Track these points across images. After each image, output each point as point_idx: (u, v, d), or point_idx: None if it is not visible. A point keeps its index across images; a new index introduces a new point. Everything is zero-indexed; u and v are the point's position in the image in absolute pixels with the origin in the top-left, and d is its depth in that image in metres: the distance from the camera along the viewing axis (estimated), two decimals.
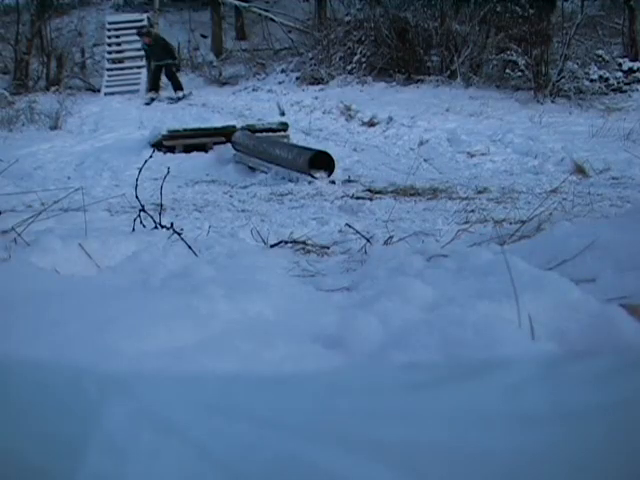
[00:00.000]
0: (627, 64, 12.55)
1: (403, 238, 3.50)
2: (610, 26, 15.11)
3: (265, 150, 7.57)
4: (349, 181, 7.00)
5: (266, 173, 7.39)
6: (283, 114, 10.72)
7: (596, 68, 12.17)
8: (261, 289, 1.82)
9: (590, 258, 2.04)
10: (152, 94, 12.26)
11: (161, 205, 3.89)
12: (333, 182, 6.82)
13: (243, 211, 5.57)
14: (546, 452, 0.61)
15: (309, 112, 10.93)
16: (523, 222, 3.33)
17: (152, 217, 3.37)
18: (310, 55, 14.22)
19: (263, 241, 3.65)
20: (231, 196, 6.45)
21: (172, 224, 3.22)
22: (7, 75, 14.86)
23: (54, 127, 10.36)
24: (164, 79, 12.54)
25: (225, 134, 8.59)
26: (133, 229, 3.19)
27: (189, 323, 1.45)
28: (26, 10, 15.66)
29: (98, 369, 0.78)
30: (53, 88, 13.62)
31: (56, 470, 0.63)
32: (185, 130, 8.81)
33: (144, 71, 13.58)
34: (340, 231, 4.37)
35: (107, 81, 13.84)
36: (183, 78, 13.70)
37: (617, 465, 0.61)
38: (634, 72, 12.37)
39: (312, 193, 6.31)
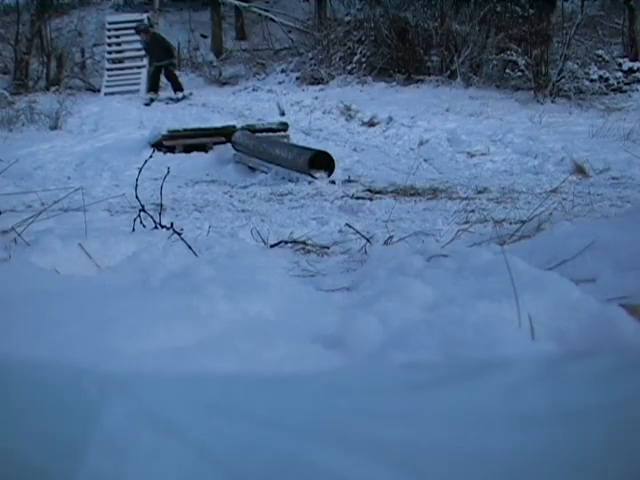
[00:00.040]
0: (627, 64, 12.54)
1: (403, 238, 3.50)
2: (610, 26, 15.11)
3: (265, 150, 7.57)
4: (349, 181, 7.00)
5: (266, 173, 7.39)
6: (283, 114, 10.72)
7: (596, 68, 12.17)
8: (261, 289, 1.83)
9: (590, 258, 2.04)
10: (152, 95, 12.26)
11: (161, 205, 3.89)
12: (333, 182, 6.82)
13: (243, 211, 5.57)
14: (546, 452, 0.61)
15: (309, 112, 10.93)
16: (523, 222, 3.33)
17: (152, 217, 3.37)
18: (310, 55, 14.22)
19: (263, 241, 3.65)
20: (231, 196, 6.45)
21: (172, 224, 3.22)
22: (7, 75, 14.86)
23: (54, 127, 10.36)
24: (164, 79, 12.54)
25: (225, 134, 8.59)
26: (133, 229, 3.19)
27: (189, 323, 1.45)
28: (26, 10, 15.66)
29: (98, 369, 0.78)
30: (53, 88, 13.62)
31: (56, 470, 0.63)
32: (185, 130, 8.81)
33: (144, 71, 13.58)
34: (340, 231, 4.37)
35: (107, 81, 13.84)
36: (183, 78, 13.70)
37: (617, 465, 0.61)
38: (634, 72, 12.37)
39: (312, 193, 6.31)
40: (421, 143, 9.01)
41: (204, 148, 8.55)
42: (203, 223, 4.82)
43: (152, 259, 2.48)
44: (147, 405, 0.68)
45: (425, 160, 8.25)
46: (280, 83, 13.56)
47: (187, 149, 8.53)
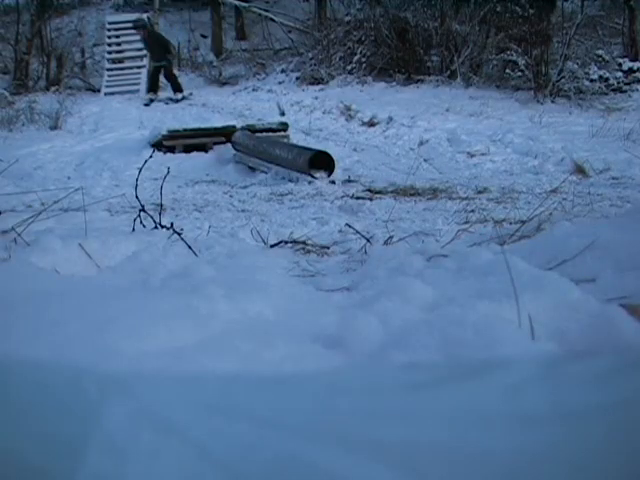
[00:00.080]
0: (627, 64, 12.54)
1: (403, 238, 3.50)
2: (610, 26, 15.11)
3: (265, 150, 7.57)
4: (349, 181, 7.00)
5: (266, 173, 7.39)
6: (283, 114, 10.72)
7: (596, 68, 12.17)
8: (261, 289, 1.83)
9: (590, 258, 2.04)
10: (151, 95, 12.25)
11: (161, 205, 3.89)
12: (333, 182, 6.82)
13: (243, 211, 5.57)
14: (546, 452, 0.61)
15: (309, 112, 10.93)
16: (523, 222, 3.33)
17: (152, 217, 3.37)
18: (310, 55, 14.22)
19: (263, 241, 3.65)
20: (231, 196, 6.45)
21: (172, 224, 3.22)
22: (7, 75, 14.86)
23: (54, 127, 10.35)
24: (164, 80, 12.53)
25: (225, 134, 8.59)
26: (133, 229, 3.19)
27: (189, 323, 1.45)
28: (26, 10, 15.65)
29: (98, 369, 0.78)
30: (53, 88, 13.62)
31: (56, 470, 0.63)
32: (185, 130, 8.81)
33: (144, 71, 13.58)
34: (340, 231, 4.37)
35: (107, 81, 13.84)
36: (183, 78, 13.70)
37: (617, 465, 0.61)
38: (634, 72, 12.37)
39: (312, 193, 6.31)
40: (421, 143, 9.01)
41: (204, 148, 8.55)
42: (203, 223, 4.82)
43: (152, 259, 2.48)
44: (147, 405, 0.68)
45: (425, 160, 8.25)
46: (280, 83, 13.56)
47: (187, 149, 8.53)
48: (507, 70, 12.63)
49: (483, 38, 13.50)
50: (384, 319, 1.49)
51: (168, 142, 8.58)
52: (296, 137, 9.12)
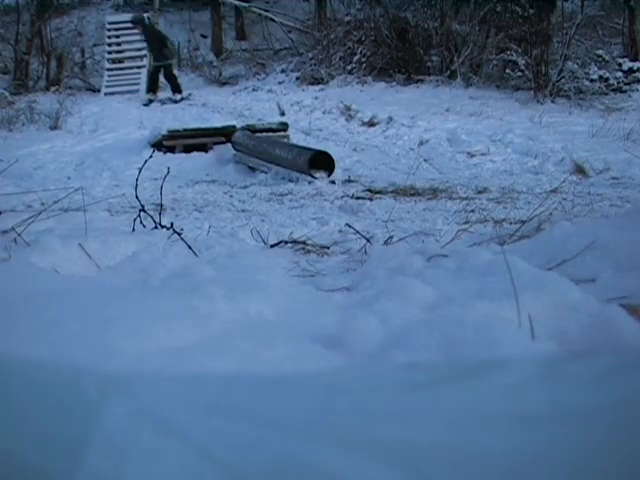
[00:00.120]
0: (627, 64, 12.54)
1: (403, 238, 3.50)
2: (610, 26, 15.11)
3: (265, 150, 7.57)
4: (349, 181, 7.00)
5: (266, 173, 7.39)
6: (283, 114, 10.72)
7: (596, 68, 12.16)
8: (261, 289, 1.83)
9: (590, 258, 2.04)
10: (150, 95, 12.24)
11: (161, 205, 3.89)
12: (333, 182, 6.82)
13: (243, 211, 5.57)
14: (546, 452, 0.61)
15: (309, 112, 10.93)
16: (523, 222, 3.34)
17: (152, 217, 3.37)
18: (310, 55, 14.21)
19: (263, 241, 3.65)
20: (231, 196, 6.45)
21: (172, 224, 3.22)
22: (7, 75, 14.85)
23: (54, 127, 10.35)
24: (164, 80, 12.52)
25: (225, 134, 8.59)
26: (133, 229, 3.19)
27: (189, 323, 1.45)
28: (26, 10, 15.65)
29: (98, 369, 0.78)
30: (53, 88, 13.61)
31: (56, 470, 0.63)
32: (185, 130, 8.81)
33: (144, 71, 13.57)
34: (340, 231, 4.37)
35: (107, 81, 13.84)
36: (183, 78, 13.69)
37: (617, 465, 0.61)
38: (634, 72, 12.36)
39: (312, 193, 6.31)
40: (421, 143, 9.01)
41: (204, 148, 8.55)
42: (203, 223, 4.82)
43: (152, 259, 2.48)
44: (147, 405, 0.68)
45: (425, 160, 8.25)
46: (280, 83, 13.56)
47: (187, 149, 8.53)
48: (507, 70, 12.62)
49: (483, 38, 13.50)
50: (384, 319, 1.49)
51: (168, 142, 8.58)
52: (296, 137, 9.12)
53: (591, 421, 0.65)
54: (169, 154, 8.32)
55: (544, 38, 12.37)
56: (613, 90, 12.03)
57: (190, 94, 12.42)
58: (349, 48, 13.97)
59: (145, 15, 14.14)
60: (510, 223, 4.28)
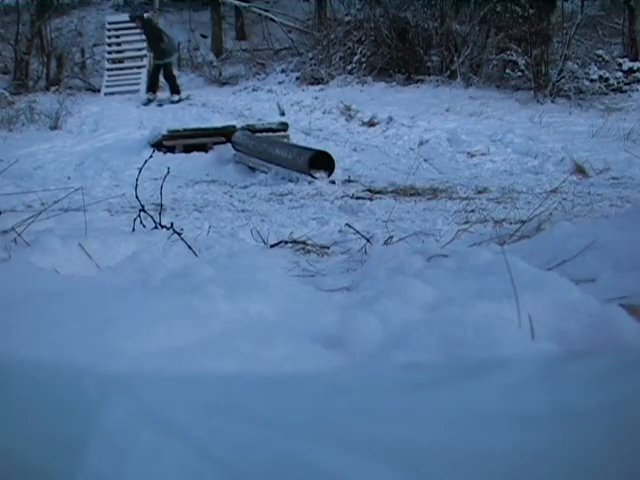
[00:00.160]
0: (627, 64, 12.54)
1: (403, 238, 3.50)
2: (610, 26, 15.11)
3: (265, 150, 7.57)
4: (349, 181, 7.00)
5: (266, 173, 7.39)
6: (283, 114, 10.72)
7: (596, 68, 12.16)
8: (261, 289, 1.83)
9: (590, 258, 2.04)
10: (149, 95, 12.23)
11: (161, 205, 3.89)
12: (333, 182, 6.82)
13: (243, 211, 5.57)
14: (546, 452, 0.61)
15: (309, 112, 10.92)
16: (523, 222, 3.34)
17: (152, 217, 3.37)
18: (310, 55, 14.21)
19: (263, 241, 3.65)
20: (231, 196, 6.45)
21: (172, 224, 3.22)
22: (7, 75, 14.85)
23: (54, 127, 10.35)
24: (164, 80, 12.51)
25: (225, 134, 8.59)
26: (133, 229, 3.20)
27: (189, 323, 1.45)
28: (26, 10, 15.64)
29: (98, 369, 0.78)
30: (53, 88, 13.61)
31: (56, 470, 0.63)
32: (185, 130, 8.81)
33: (144, 71, 13.57)
34: (340, 231, 4.37)
35: (107, 81, 13.83)
36: (183, 78, 13.69)
37: (617, 465, 0.61)
38: (634, 72, 12.36)
39: (312, 193, 6.31)
40: (421, 143, 9.01)
41: (204, 148, 8.55)
42: (203, 223, 4.82)
43: (152, 259, 2.48)
44: (147, 405, 0.68)
45: (425, 160, 8.25)
46: (280, 83, 13.56)
47: (187, 149, 8.53)
48: (507, 70, 12.62)
49: (483, 38, 13.50)
50: (384, 319, 1.49)
51: (168, 142, 8.58)
52: (296, 137, 9.12)
53: (591, 421, 0.65)
54: (169, 154, 8.32)
55: (544, 38, 12.37)
56: (613, 90, 12.03)
57: (189, 96, 12.38)
58: (349, 48, 13.97)
59: (145, 15, 14.14)
60: (510, 223, 4.28)
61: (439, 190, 6.42)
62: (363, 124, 10.25)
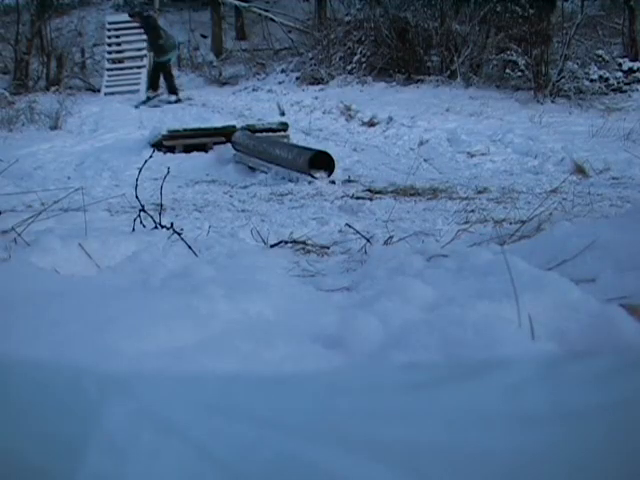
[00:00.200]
0: (627, 64, 12.54)
1: (403, 238, 3.50)
2: (610, 26, 15.11)
3: (265, 150, 7.57)
4: (349, 181, 7.00)
5: (266, 173, 7.39)
6: (283, 114, 10.72)
7: (596, 68, 12.16)
8: (261, 289, 1.83)
9: (590, 258, 2.04)
10: (149, 93, 12.22)
11: (161, 205, 3.89)
12: (333, 182, 6.82)
13: (243, 211, 5.57)
14: (546, 452, 0.61)
15: (309, 112, 10.92)
16: (523, 222, 3.34)
17: (152, 217, 3.37)
18: (310, 55, 14.21)
19: (263, 241, 3.65)
20: (231, 196, 6.45)
21: (172, 224, 3.22)
22: (7, 75, 14.85)
23: (54, 127, 10.35)
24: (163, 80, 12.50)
25: (225, 134, 8.58)
26: (133, 229, 3.20)
27: (189, 323, 1.45)
28: (26, 10, 15.64)
29: (98, 369, 0.78)
30: (53, 88, 13.61)
31: (56, 470, 0.63)
32: (185, 130, 8.81)
33: (144, 71, 13.56)
34: (340, 231, 4.37)
35: (107, 81, 13.83)
36: (183, 78, 13.69)
37: (617, 465, 0.61)
38: (634, 72, 12.36)
39: (312, 193, 6.31)
40: (421, 143, 9.00)
41: (204, 148, 8.55)
42: (203, 223, 4.82)
43: (152, 259, 2.48)
44: (147, 405, 0.68)
45: (425, 160, 8.24)
46: (280, 83, 13.56)
47: (187, 149, 8.52)
48: (507, 70, 12.62)
49: (483, 38, 13.50)
50: (384, 319, 1.49)
51: (168, 142, 8.58)
52: (296, 137, 9.12)
53: (591, 421, 0.65)
54: (169, 154, 8.32)
55: (544, 38, 12.37)
56: (613, 90, 12.03)
57: (187, 99, 12.33)
58: (349, 48, 13.97)
59: (145, 15, 14.13)
60: (510, 223, 4.28)
61: (439, 190, 6.42)
62: (363, 124, 10.25)
